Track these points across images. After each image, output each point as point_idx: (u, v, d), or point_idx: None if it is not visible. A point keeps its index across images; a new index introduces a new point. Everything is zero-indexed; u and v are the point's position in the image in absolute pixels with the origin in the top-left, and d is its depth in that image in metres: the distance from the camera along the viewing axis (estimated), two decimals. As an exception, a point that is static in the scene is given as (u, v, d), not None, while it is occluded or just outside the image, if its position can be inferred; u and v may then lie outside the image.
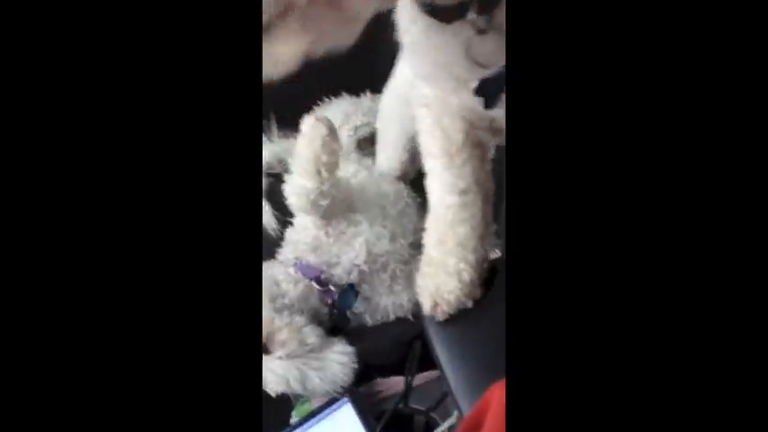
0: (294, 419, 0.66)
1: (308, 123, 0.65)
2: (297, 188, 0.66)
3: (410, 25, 0.53)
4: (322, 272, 0.67)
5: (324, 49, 0.38)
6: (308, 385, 0.61)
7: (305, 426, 0.63)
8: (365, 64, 0.97)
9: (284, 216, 0.84)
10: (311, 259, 0.67)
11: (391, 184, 0.76)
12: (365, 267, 0.67)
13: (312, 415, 0.64)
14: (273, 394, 0.61)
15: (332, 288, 0.67)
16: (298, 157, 0.65)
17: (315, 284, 0.66)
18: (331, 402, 0.64)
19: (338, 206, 0.67)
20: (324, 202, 0.65)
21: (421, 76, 0.59)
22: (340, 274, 0.67)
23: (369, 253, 0.67)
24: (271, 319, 0.62)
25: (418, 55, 0.57)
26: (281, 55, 0.37)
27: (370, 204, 0.71)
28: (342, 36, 0.39)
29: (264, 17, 0.35)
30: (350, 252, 0.67)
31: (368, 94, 0.88)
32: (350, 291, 0.68)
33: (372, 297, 0.69)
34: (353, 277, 0.67)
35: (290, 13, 0.36)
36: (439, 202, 0.62)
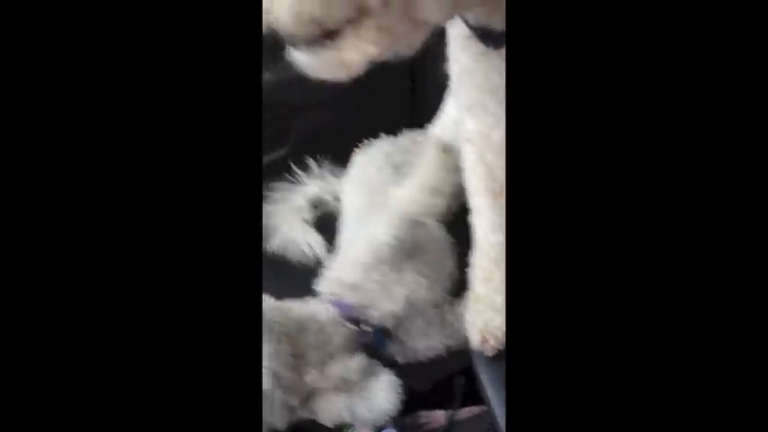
0: (340, 447, 0.67)
1: None
2: None
3: (460, 53, 0.55)
4: (357, 312, 0.68)
5: (390, 54, 0.39)
6: (357, 413, 0.63)
7: (350, 455, 0.64)
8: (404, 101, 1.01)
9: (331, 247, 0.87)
10: (348, 298, 0.68)
11: (431, 227, 0.77)
12: (401, 314, 0.68)
13: (358, 444, 0.65)
14: (331, 425, 0.63)
15: (366, 329, 0.67)
16: None
17: (349, 324, 0.67)
18: (378, 431, 0.65)
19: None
20: None
21: (466, 108, 0.61)
22: (375, 316, 0.68)
23: (407, 302, 0.68)
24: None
25: (465, 83, 0.58)
26: (349, 60, 0.38)
27: (415, 250, 0.72)
28: (408, 42, 0.40)
29: (333, 21, 0.36)
30: (388, 300, 0.67)
31: (404, 132, 0.91)
32: (381, 333, 0.69)
33: (406, 340, 0.70)
34: (388, 322, 0.68)
35: (365, 20, 0.37)
36: (484, 239, 0.64)
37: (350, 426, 0.68)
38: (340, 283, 0.69)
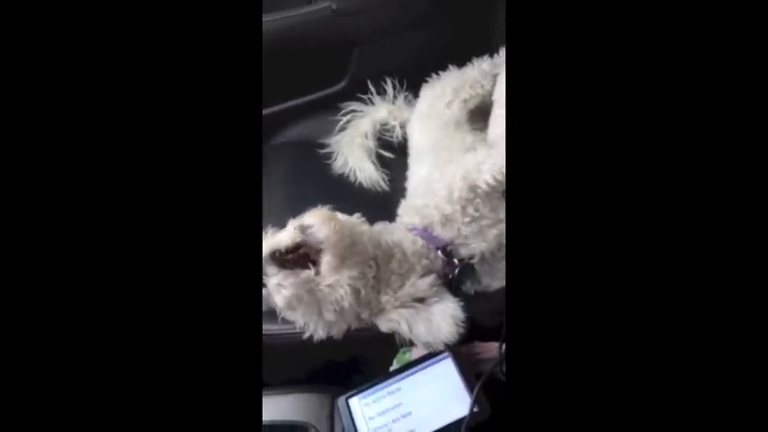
0: (394, 367, 0.68)
1: None
2: None
3: None
4: (448, 245, 0.67)
5: None
6: (414, 330, 0.64)
7: (404, 374, 0.65)
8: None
9: (392, 175, 0.87)
10: (438, 231, 0.68)
11: None
12: (489, 255, 0.68)
13: (412, 365, 0.66)
14: (384, 330, 0.65)
15: (456, 261, 0.68)
16: None
17: (440, 254, 0.67)
18: (432, 355, 0.65)
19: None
20: None
21: None
22: (464, 253, 0.68)
23: (498, 244, 0.67)
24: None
25: None
26: None
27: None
28: None
29: None
30: (481, 239, 0.67)
31: (474, 62, 0.89)
32: (469, 270, 0.69)
33: (484, 279, 0.70)
34: (475, 260, 0.68)
35: None
36: None
37: (407, 348, 0.69)
38: (428, 213, 0.69)
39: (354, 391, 0.65)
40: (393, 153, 0.92)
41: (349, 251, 0.61)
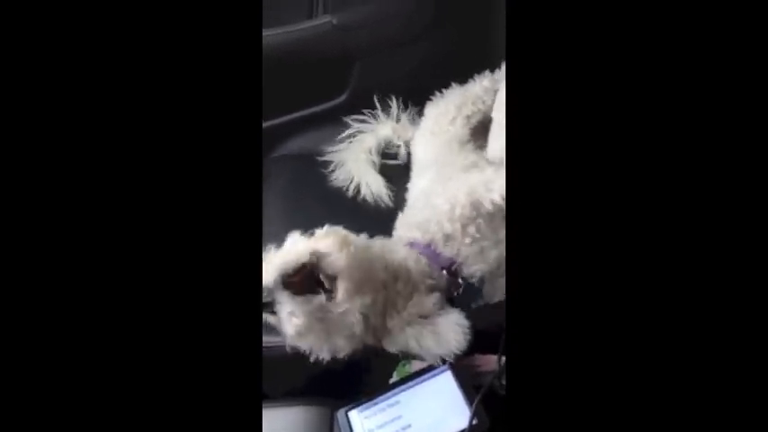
0: (394, 379, 0.68)
1: None
2: None
3: None
4: (452, 263, 0.68)
5: None
6: (424, 345, 0.63)
7: (404, 387, 0.65)
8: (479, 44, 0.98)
9: (396, 190, 0.87)
10: (441, 248, 0.68)
11: None
12: (489, 276, 0.69)
13: (412, 377, 0.66)
14: (393, 351, 0.64)
15: (460, 281, 0.68)
16: None
17: (445, 273, 0.68)
18: (431, 368, 0.66)
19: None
20: None
21: None
22: (466, 273, 0.68)
23: (498, 264, 0.68)
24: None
25: None
26: None
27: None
28: None
29: None
30: (481, 261, 0.67)
31: (475, 78, 0.90)
32: (473, 290, 0.69)
33: (486, 296, 0.71)
34: (476, 280, 0.69)
35: None
36: None
37: (406, 361, 0.69)
38: (429, 229, 0.69)
39: (354, 404, 0.65)
40: (395, 169, 0.92)
41: (365, 277, 0.60)
